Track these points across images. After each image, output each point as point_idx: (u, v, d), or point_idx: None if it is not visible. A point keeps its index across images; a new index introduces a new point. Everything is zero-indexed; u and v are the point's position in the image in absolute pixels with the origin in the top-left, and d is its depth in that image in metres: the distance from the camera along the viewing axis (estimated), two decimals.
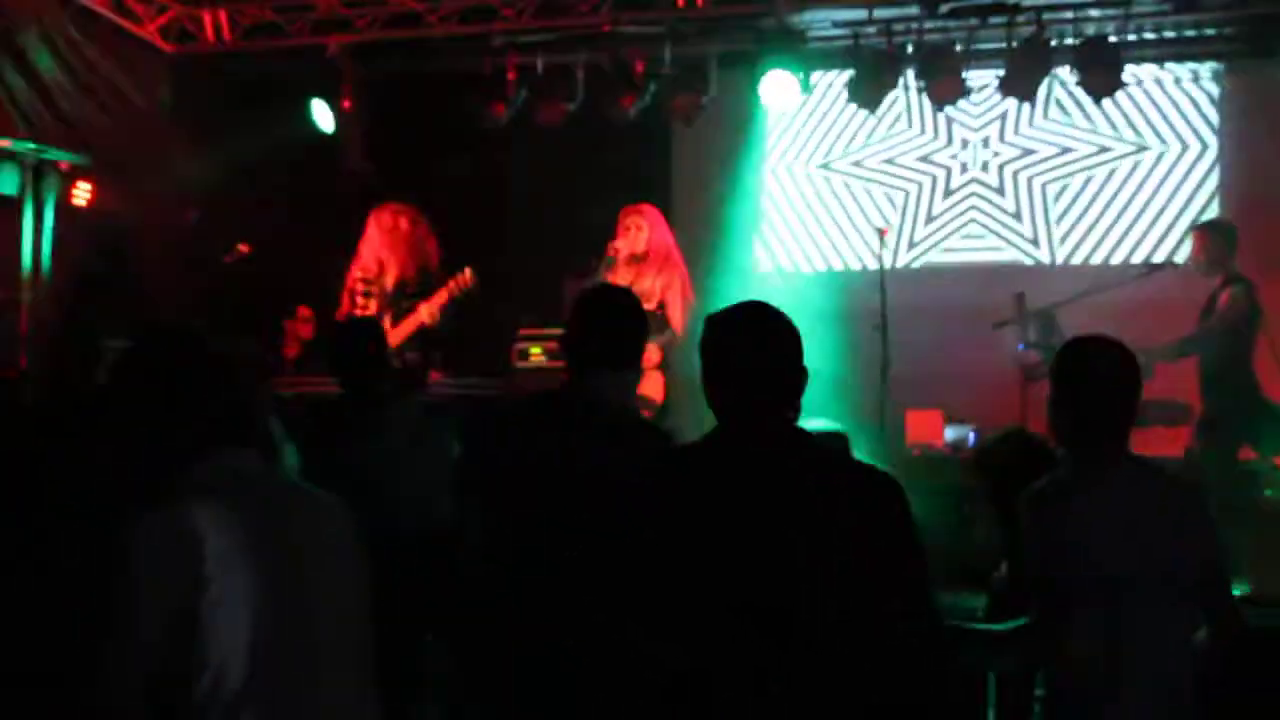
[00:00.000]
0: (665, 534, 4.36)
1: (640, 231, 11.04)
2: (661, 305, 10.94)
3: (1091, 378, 5.01)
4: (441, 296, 10.81)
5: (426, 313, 10.78)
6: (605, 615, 4.53)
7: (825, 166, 13.95)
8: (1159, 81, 13.02)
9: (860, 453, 7.70)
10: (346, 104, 13.18)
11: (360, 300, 11.16)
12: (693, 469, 4.52)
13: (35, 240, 12.56)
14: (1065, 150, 13.28)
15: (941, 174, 13.61)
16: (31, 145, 12.22)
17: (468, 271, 10.76)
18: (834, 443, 6.67)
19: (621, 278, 10.87)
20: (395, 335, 10.61)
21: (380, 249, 11.21)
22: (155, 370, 4.24)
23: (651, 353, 10.31)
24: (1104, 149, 13.15)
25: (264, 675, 3.90)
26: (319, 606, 4.10)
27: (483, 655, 5.10)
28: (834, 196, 13.92)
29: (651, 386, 10.66)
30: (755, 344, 4.40)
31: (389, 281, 11.10)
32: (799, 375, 4.42)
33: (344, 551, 4.25)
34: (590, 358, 5.47)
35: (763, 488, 4.26)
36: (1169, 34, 12.54)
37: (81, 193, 12.71)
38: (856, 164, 13.83)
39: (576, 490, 5.08)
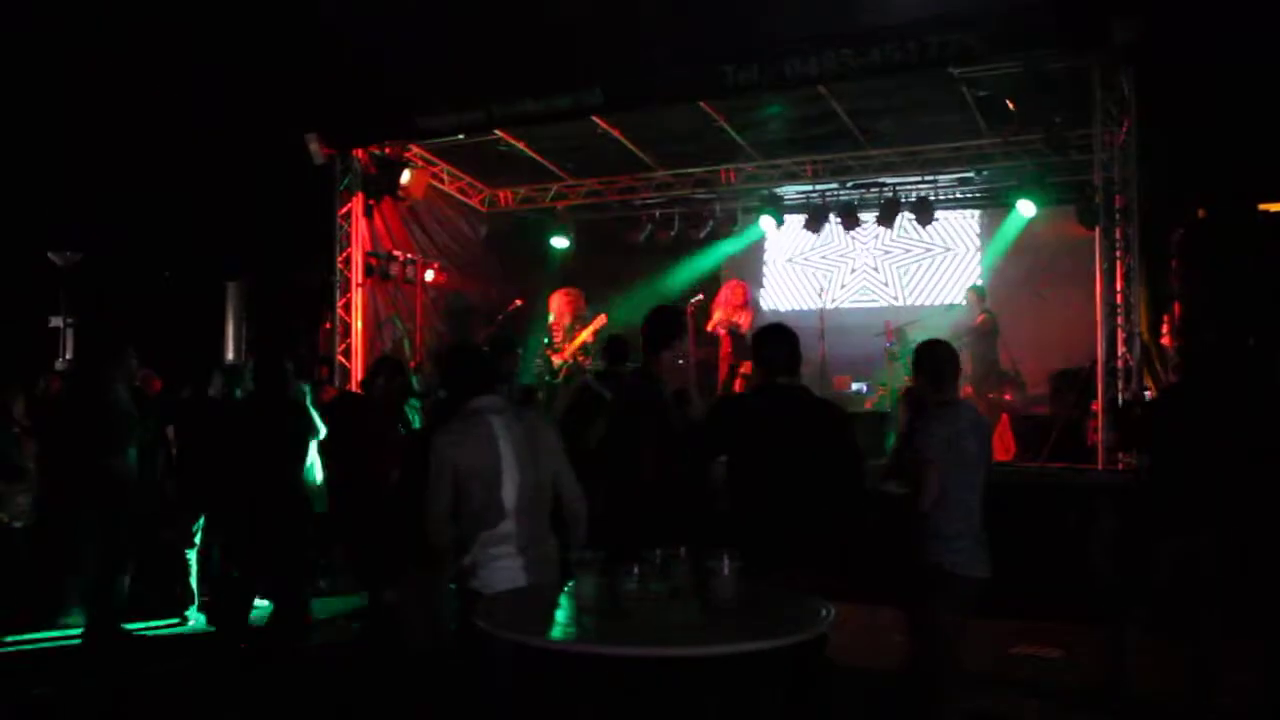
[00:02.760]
0: (744, 424, 4.59)
1: (736, 290, 11.56)
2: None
3: (945, 359, 4.88)
4: (593, 327, 10.98)
5: (589, 335, 10.90)
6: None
7: (793, 260, 13.81)
8: (951, 218, 12.85)
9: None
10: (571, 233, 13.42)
11: (555, 334, 11.30)
12: (752, 399, 4.89)
13: (424, 301, 12.52)
14: (907, 250, 13.19)
15: (849, 263, 13.47)
16: (424, 256, 12.54)
17: (603, 316, 11.20)
18: None
19: (724, 311, 11.42)
20: (571, 348, 10.92)
21: (563, 306, 11.37)
22: (450, 363, 4.52)
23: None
24: (926, 249, 13.09)
25: (490, 504, 4.06)
26: (519, 472, 4.11)
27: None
28: (798, 274, 13.75)
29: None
30: (776, 343, 4.61)
31: (566, 321, 11.19)
32: (796, 358, 4.59)
33: (542, 436, 4.26)
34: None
35: (782, 407, 4.52)
36: (957, 195, 12.50)
37: (443, 275, 12.80)
38: (808, 258, 13.69)
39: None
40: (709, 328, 11.59)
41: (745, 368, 10.85)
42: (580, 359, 10.89)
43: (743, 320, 11.39)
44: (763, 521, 4.32)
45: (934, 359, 4.93)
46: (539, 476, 4.18)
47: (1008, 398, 10.79)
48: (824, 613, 3.57)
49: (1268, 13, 9.71)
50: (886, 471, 5.38)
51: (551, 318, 11.49)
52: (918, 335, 10.94)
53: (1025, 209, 10.79)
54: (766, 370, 4.64)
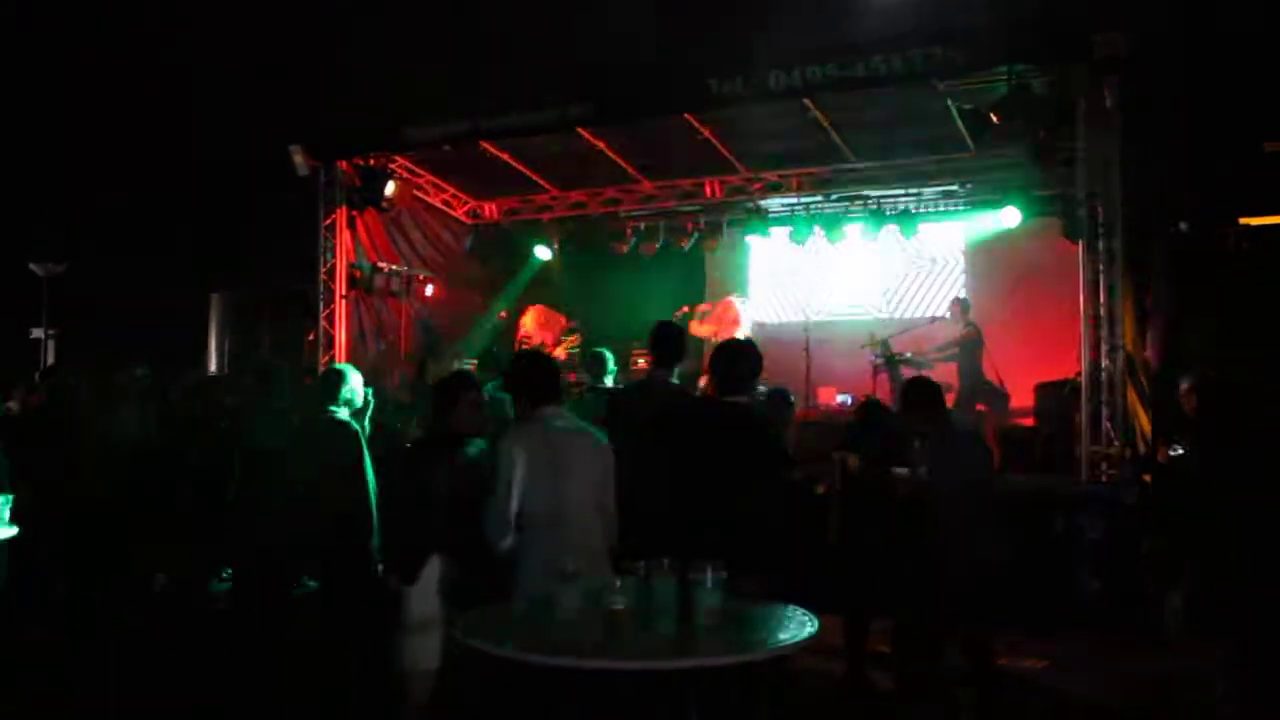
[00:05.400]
0: (678, 430, 4.64)
1: (731, 308, 11.73)
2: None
3: (935, 398, 5.40)
4: (564, 346, 11.13)
5: (563, 351, 11.11)
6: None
7: (778, 272, 13.64)
8: (936, 230, 12.56)
9: (795, 407, 8.36)
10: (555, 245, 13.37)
11: (526, 346, 11.35)
12: (693, 408, 5.02)
13: (408, 313, 12.45)
14: (891, 263, 12.94)
15: (833, 275, 13.23)
16: (408, 268, 12.51)
17: (576, 336, 11.28)
18: (779, 396, 6.89)
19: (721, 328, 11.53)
20: None
21: (536, 323, 11.69)
22: (521, 372, 4.57)
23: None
24: (909, 261, 12.91)
25: (549, 513, 4.16)
26: (575, 484, 4.24)
27: None
28: (783, 286, 13.60)
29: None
30: (728, 361, 4.61)
31: (537, 340, 11.39)
32: (747, 376, 4.59)
33: (589, 450, 4.35)
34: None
35: (715, 418, 4.56)
36: (941, 208, 12.21)
37: (428, 288, 12.80)
38: (793, 271, 13.49)
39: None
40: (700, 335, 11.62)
41: None
42: None
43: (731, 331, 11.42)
44: (690, 527, 4.28)
45: (924, 397, 5.38)
46: (580, 491, 4.26)
47: (992, 410, 10.80)
48: (808, 625, 3.56)
49: (1248, 26, 9.78)
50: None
51: (526, 330, 11.40)
52: (903, 348, 11.11)
53: (1009, 218, 10.79)
54: (716, 385, 4.64)
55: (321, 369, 11.49)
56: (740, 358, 4.62)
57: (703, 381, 10.57)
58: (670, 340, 5.66)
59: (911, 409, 5.53)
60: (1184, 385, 6.08)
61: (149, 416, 7.16)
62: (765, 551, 4.29)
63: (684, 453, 4.46)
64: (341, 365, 6.60)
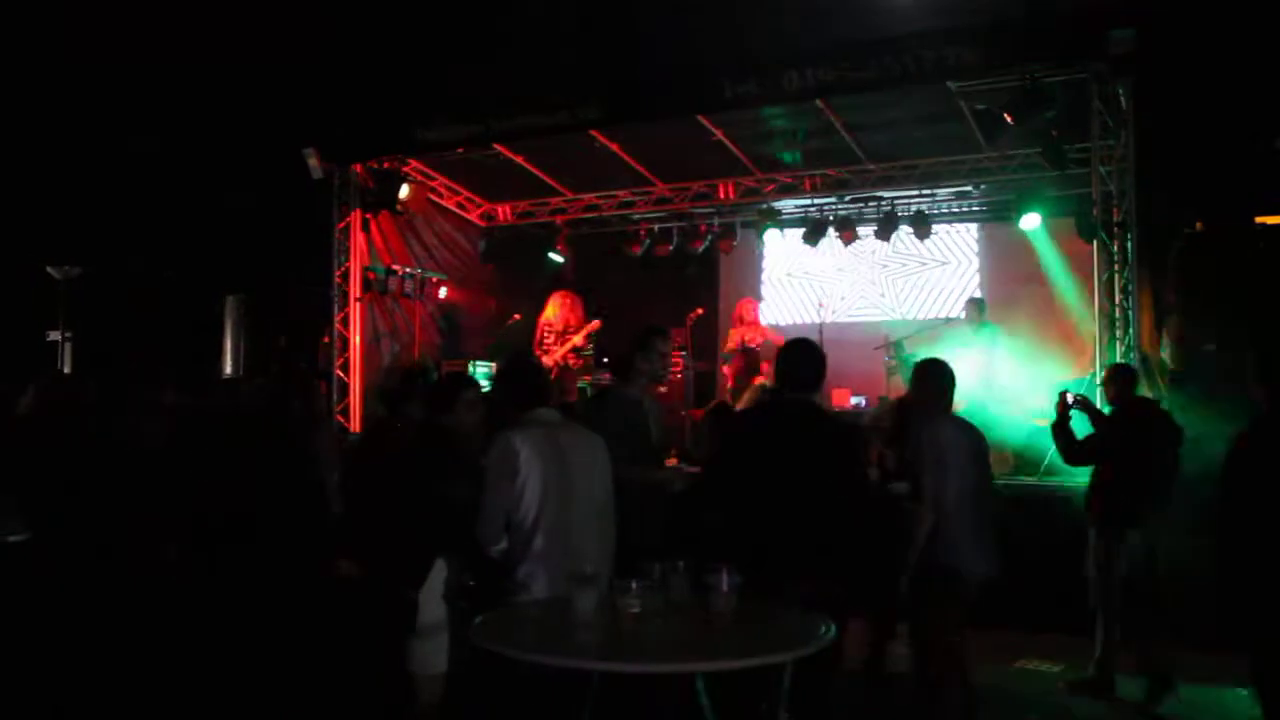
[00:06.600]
0: (758, 437, 4.66)
1: (749, 307, 11.65)
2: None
3: (946, 376, 5.09)
4: (585, 331, 11.13)
5: (580, 340, 11.22)
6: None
7: (792, 273, 13.62)
8: (950, 231, 12.71)
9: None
10: (561, 247, 13.30)
11: (547, 336, 11.33)
12: (769, 412, 4.95)
13: (422, 316, 12.42)
14: (905, 264, 13.05)
15: (847, 277, 13.26)
16: (422, 270, 12.52)
17: (597, 321, 11.32)
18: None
19: (744, 332, 11.47)
20: (563, 350, 10.99)
21: (560, 309, 11.77)
22: (507, 375, 4.77)
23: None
24: (923, 262, 12.92)
25: (546, 516, 4.12)
26: (575, 485, 4.22)
27: None
28: (797, 288, 13.55)
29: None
30: (797, 360, 4.61)
31: (559, 326, 11.29)
32: (814, 376, 4.58)
33: (591, 456, 4.36)
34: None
35: (797, 422, 4.51)
36: (955, 209, 12.43)
37: (441, 290, 12.83)
38: (806, 272, 13.49)
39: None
40: (730, 346, 11.59)
41: (756, 380, 10.88)
42: (571, 361, 10.93)
43: (757, 337, 11.42)
44: (765, 535, 4.28)
45: (933, 376, 5.12)
46: (579, 492, 4.23)
47: (1007, 410, 10.68)
48: (824, 629, 3.53)
49: (1264, 24, 9.71)
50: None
51: (547, 318, 11.40)
52: (917, 349, 11.03)
53: (1029, 222, 10.71)
54: (780, 384, 4.65)
55: (336, 372, 11.57)
56: (806, 356, 4.66)
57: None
58: (636, 341, 5.75)
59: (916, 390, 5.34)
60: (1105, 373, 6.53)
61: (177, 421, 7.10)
62: (826, 555, 4.30)
63: (777, 462, 4.46)
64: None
